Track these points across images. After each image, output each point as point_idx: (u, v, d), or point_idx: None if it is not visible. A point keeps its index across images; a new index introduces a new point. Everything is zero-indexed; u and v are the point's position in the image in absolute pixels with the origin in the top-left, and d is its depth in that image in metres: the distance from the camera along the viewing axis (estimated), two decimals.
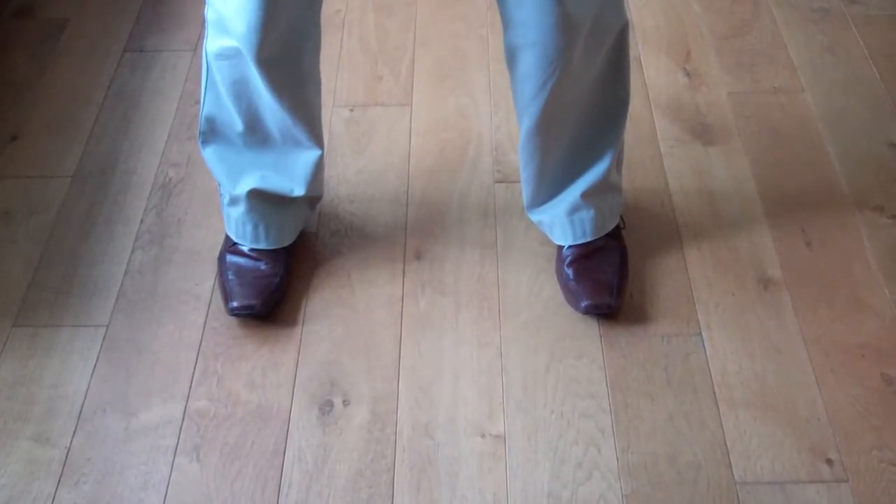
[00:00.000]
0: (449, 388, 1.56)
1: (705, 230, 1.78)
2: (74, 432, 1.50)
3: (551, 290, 1.69)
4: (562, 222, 1.66)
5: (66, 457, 1.47)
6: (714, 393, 1.54)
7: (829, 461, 1.45)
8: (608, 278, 1.64)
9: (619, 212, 1.71)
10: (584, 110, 1.58)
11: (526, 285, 1.70)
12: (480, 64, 2.16)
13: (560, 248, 1.69)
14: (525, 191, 1.68)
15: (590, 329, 1.63)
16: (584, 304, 1.62)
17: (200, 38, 2.24)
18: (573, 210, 1.64)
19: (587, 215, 1.65)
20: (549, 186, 1.66)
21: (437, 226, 1.81)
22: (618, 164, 1.67)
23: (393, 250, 1.76)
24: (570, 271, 1.65)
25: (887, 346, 1.60)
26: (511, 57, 1.51)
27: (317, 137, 1.62)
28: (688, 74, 2.12)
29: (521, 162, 1.65)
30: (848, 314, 1.65)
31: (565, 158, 1.63)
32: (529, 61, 1.48)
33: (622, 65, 1.56)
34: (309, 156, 1.63)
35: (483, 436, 1.49)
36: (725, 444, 1.48)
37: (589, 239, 1.67)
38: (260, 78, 1.47)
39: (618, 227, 1.71)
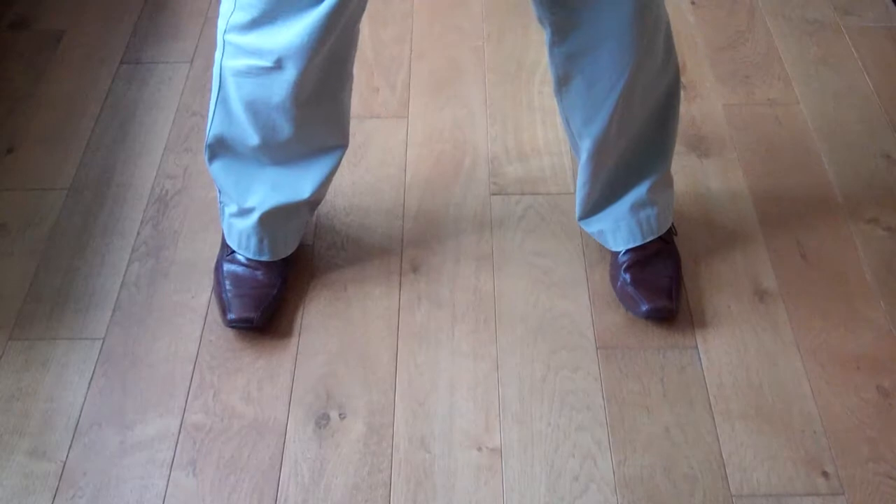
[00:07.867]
0: (445, 400, 1.56)
1: (700, 242, 1.79)
2: (70, 446, 1.50)
3: (547, 301, 1.69)
4: (628, 223, 1.65)
5: (62, 471, 1.47)
6: (710, 405, 1.54)
7: (825, 474, 1.45)
8: (665, 282, 1.64)
9: (673, 205, 1.71)
10: (650, 104, 1.55)
11: (522, 297, 1.70)
12: (476, 76, 2.17)
13: (615, 254, 1.69)
14: (587, 200, 1.65)
15: (586, 341, 1.63)
16: (644, 308, 1.61)
17: (197, 49, 2.24)
18: (638, 208, 1.63)
19: (652, 212, 1.65)
20: (616, 189, 1.64)
21: (433, 238, 1.81)
22: None
23: (389, 262, 1.76)
24: (627, 276, 1.65)
25: (883, 357, 1.60)
26: (571, 67, 1.47)
27: (342, 136, 1.59)
28: (682, 86, 2.12)
29: (586, 172, 1.60)
30: (843, 326, 1.65)
31: (634, 157, 1.61)
32: (602, 60, 1.44)
33: (671, 49, 1.53)
34: (328, 159, 1.60)
35: (479, 448, 1.49)
36: (721, 457, 1.48)
37: (655, 236, 1.66)
38: (288, 112, 1.46)
39: (669, 232, 1.71)
